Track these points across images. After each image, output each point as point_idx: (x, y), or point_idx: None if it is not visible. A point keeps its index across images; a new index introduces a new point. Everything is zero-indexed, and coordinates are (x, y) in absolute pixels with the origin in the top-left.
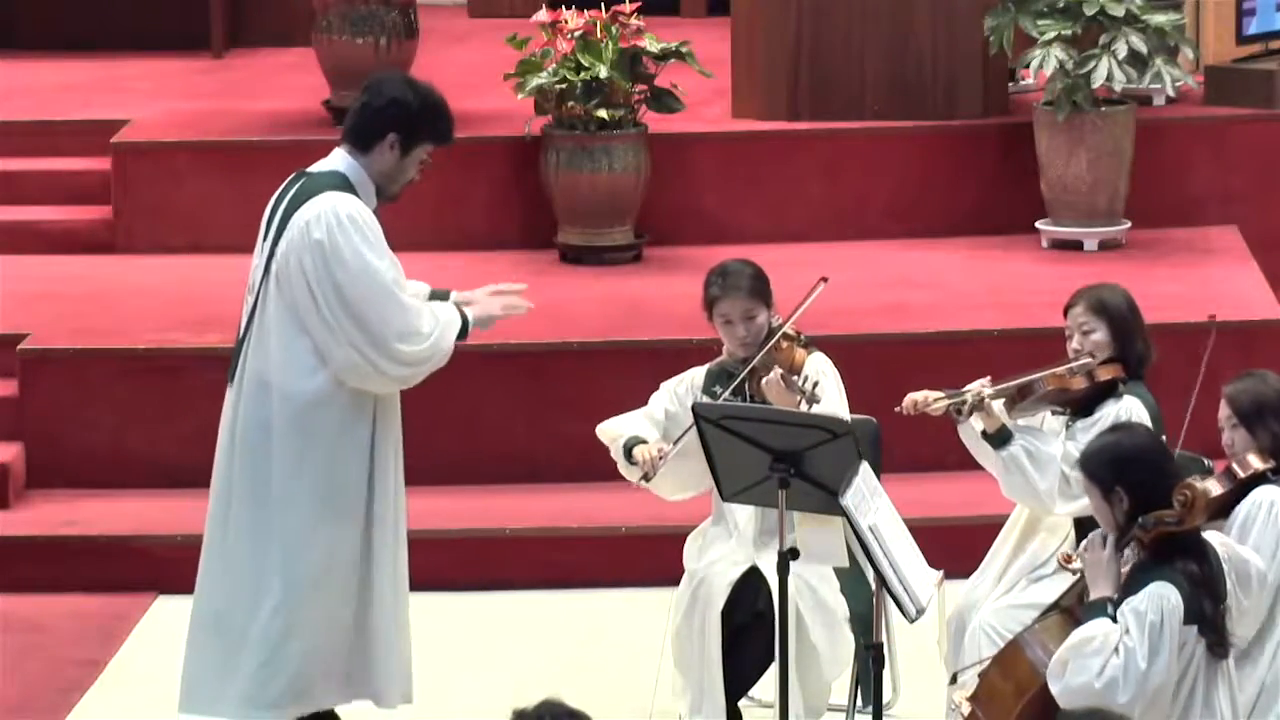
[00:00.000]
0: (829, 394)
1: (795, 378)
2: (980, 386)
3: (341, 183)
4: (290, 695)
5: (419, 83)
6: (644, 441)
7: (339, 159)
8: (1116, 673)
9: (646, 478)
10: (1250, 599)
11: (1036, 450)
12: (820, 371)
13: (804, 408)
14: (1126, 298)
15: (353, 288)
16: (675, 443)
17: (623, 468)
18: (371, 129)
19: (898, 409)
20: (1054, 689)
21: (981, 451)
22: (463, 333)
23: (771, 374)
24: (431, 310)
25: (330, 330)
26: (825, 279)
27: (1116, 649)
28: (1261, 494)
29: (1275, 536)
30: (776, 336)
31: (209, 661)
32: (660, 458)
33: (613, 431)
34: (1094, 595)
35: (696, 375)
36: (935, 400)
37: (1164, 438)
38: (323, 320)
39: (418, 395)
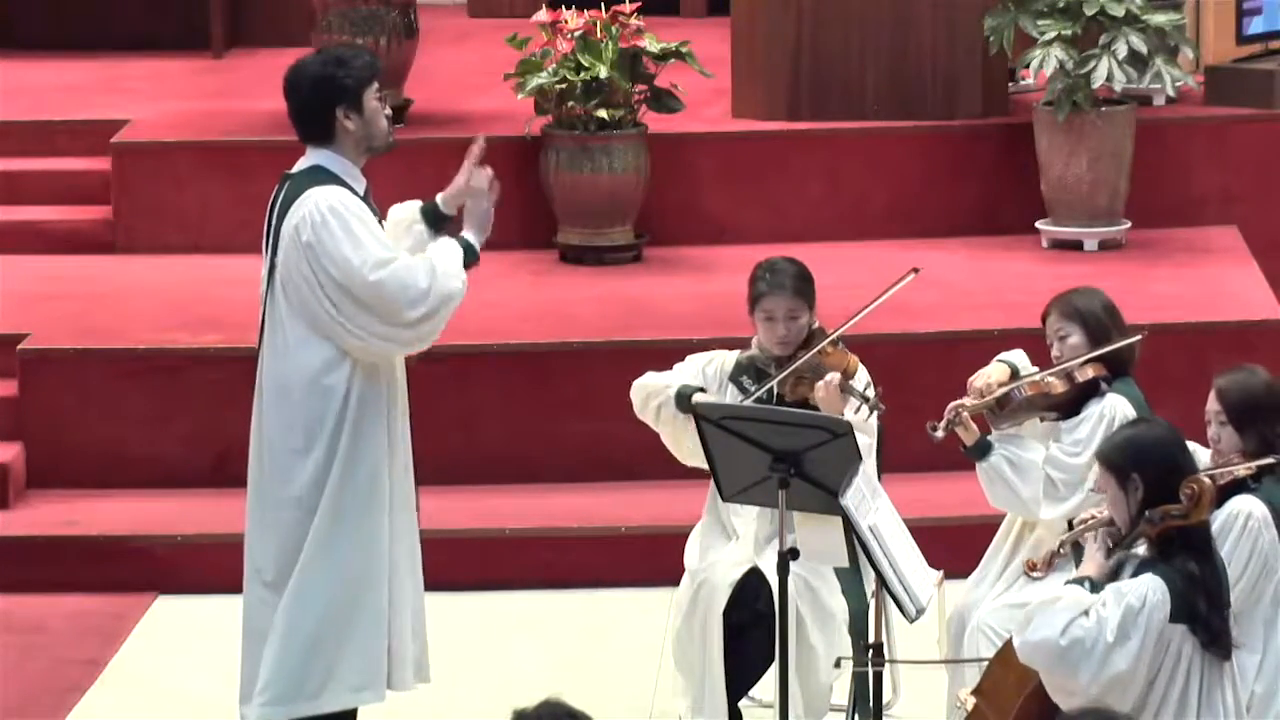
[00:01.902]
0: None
1: (853, 383)
2: (1015, 355)
3: (323, 176)
4: (309, 693)
5: (318, 51)
6: (702, 390)
7: (314, 155)
8: (1083, 634)
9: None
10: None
11: (1017, 458)
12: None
13: (861, 415)
14: (1102, 300)
15: (349, 280)
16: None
17: (668, 417)
18: (318, 120)
19: (965, 399)
20: (1015, 642)
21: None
22: (472, 255)
23: (827, 378)
24: (427, 259)
25: (343, 327)
26: (916, 270)
27: (1087, 612)
28: (1238, 504)
29: (1249, 549)
30: (824, 343)
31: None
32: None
33: (656, 382)
34: (1076, 575)
35: (726, 360)
36: (999, 387)
37: None
38: (333, 319)
39: (418, 395)
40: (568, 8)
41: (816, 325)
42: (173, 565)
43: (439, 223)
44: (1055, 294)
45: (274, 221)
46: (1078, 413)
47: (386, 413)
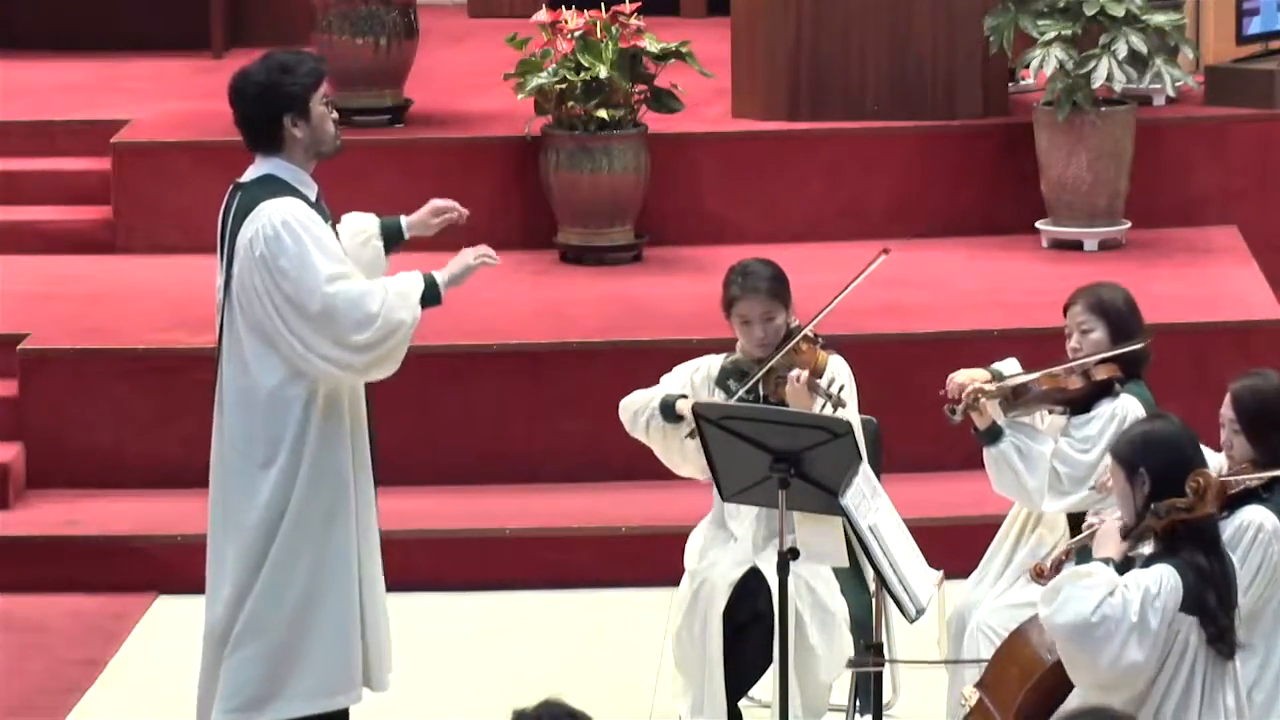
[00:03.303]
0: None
1: (819, 381)
2: (1007, 364)
3: (275, 185)
4: (279, 699)
5: (261, 60)
6: (684, 397)
7: (264, 164)
8: (1113, 612)
9: (694, 434)
10: None
11: (1027, 448)
12: (836, 372)
13: (826, 411)
14: (1126, 297)
15: (298, 295)
16: (733, 395)
17: (656, 429)
18: (267, 128)
19: (943, 392)
20: (1042, 613)
21: None
22: (432, 295)
23: (794, 374)
24: (382, 285)
25: (291, 342)
26: (887, 250)
27: (1115, 592)
28: (1249, 514)
29: (1259, 561)
30: (797, 338)
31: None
32: None
33: (642, 398)
34: (1097, 556)
35: (711, 365)
36: (987, 386)
37: None
38: (281, 333)
39: (418, 395)
40: (568, 8)
41: (795, 323)
42: (173, 565)
43: (396, 242)
44: (1079, 287)
45: (227, 232)
46: (1088, 409)
47: (350, 422)
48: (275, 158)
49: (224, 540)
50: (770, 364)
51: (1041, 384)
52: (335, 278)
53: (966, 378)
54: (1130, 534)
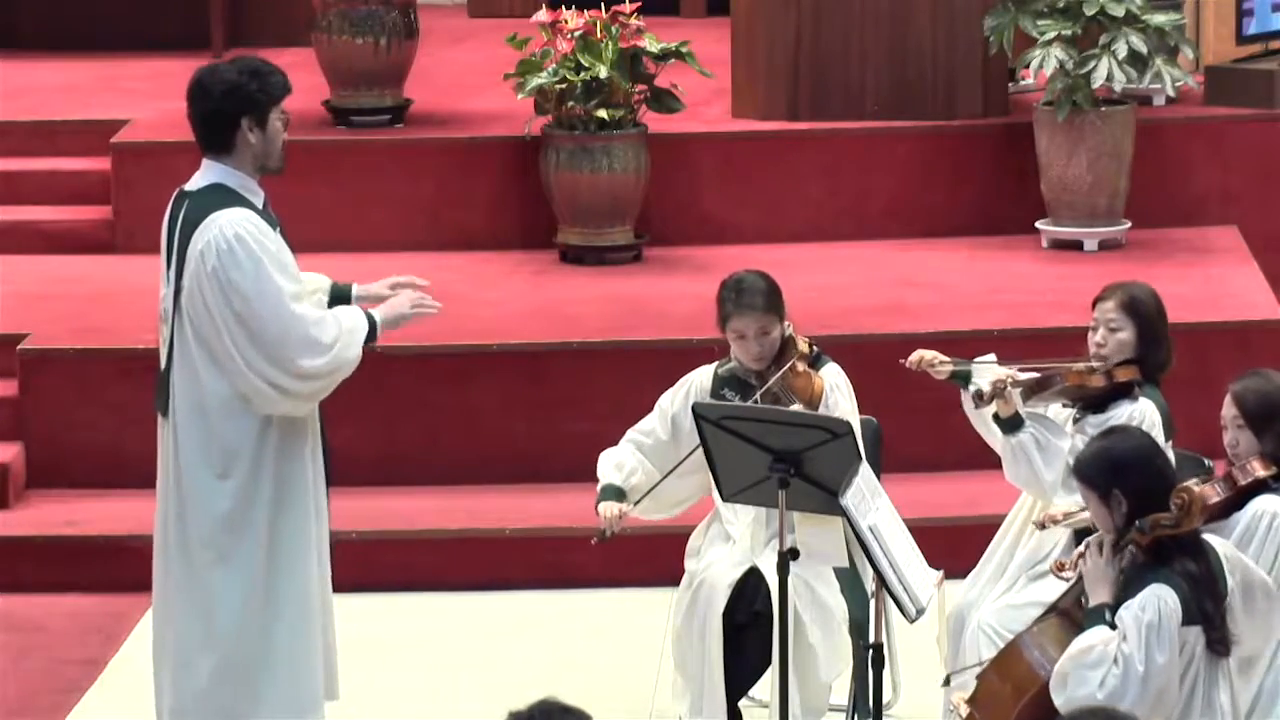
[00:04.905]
0: (844, 415)
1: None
2: (991, 364)
3: (223, 195)
4: (229, 714)
5: (232, 61)
6: (619, 492)
7: (211, 170)
8: (1117, 682)
9: (603, 535)
10: (1256, 613)
11: (1046, 441)
12: (834, 386)
13: None
14: (1157, 301)
15: (248, 311)
16: (636, 502)
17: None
18: (223, 127)
19: (903, 360)
20: (1057, 701)
21: (989, 432)
22: (371, 335)
23: (790, 409)
24: (335, 318)
25: (235, 357)
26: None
27: (1115, 659)
28: (1262, 504)
29: (1276, 549)
30: (791, 362)
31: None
32: (620, 517)
33: (602, 467)
34: (1093, 602)
35: (703, 378)
36: (941, 364)
37: (1173, 441)
38: (225, 350)
39: (418, 395)
40: (568, 8)
41: (790, 332)
42: None
43: (343, 305)
44: (1112, 283)
45: (175, 241)
46: (1102, 409)
47: (309, 430)
48: (223, 162)
49: (177, 552)
50: (766, 386)
51: (1065, 379)
52: (297, 296)
53: (931, 355)
54: (1115, 551)
